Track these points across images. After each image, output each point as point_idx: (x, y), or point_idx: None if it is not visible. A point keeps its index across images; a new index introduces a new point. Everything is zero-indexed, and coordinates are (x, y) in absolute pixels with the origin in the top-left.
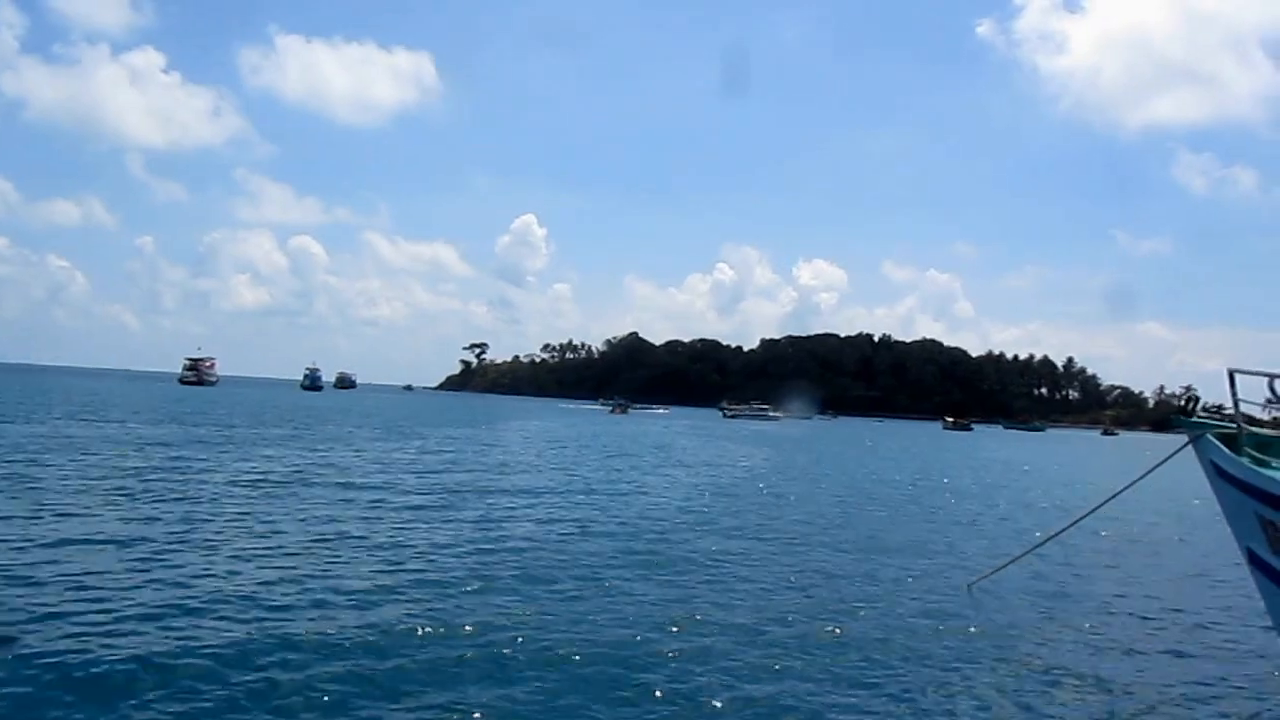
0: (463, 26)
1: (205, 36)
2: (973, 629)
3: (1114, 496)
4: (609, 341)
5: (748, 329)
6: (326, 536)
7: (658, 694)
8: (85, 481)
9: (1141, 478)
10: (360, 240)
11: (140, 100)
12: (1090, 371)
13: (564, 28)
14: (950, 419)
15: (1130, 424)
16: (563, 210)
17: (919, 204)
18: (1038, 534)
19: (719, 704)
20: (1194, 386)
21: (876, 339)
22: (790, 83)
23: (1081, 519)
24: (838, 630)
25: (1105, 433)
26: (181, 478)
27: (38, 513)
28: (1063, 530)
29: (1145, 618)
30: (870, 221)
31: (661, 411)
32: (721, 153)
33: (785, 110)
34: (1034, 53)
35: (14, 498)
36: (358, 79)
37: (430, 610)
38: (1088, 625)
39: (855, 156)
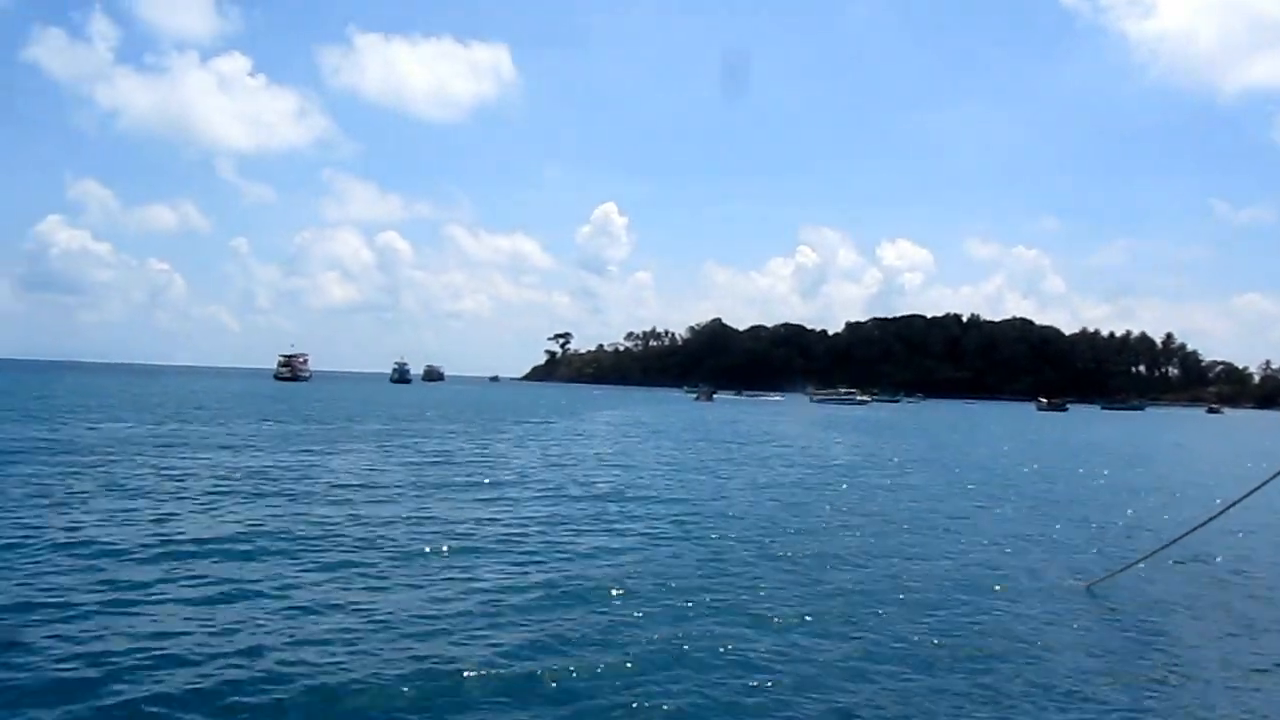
0: (538, 18)
1: (288, 39)
2: (1088, 634)
3: (1249, 495)
4: (692, 328)
5: (831, 312)
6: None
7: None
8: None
9: (1274, 477)
10: (443, 234)
11: (229, 105)
12: (1190, 347)
13: (637, 18)
14: (1044, 399)
15: (1234, 401)
16: (641, 198)
17: (1002, 179)
18: (1161, 531)
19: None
20: None
21: (964, 319)
22: (868, 60)
23: (1214, 518)
24: (944, 633)
25: (1210, 410)
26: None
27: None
28: (1193, 530)
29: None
30: (953, 199)
31: (777, 398)
32: (799, 134)
33: (863, 89)
34: (1121, 18)
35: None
36: (436, 74)
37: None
38: (1218, 638)
39: (936, 133)
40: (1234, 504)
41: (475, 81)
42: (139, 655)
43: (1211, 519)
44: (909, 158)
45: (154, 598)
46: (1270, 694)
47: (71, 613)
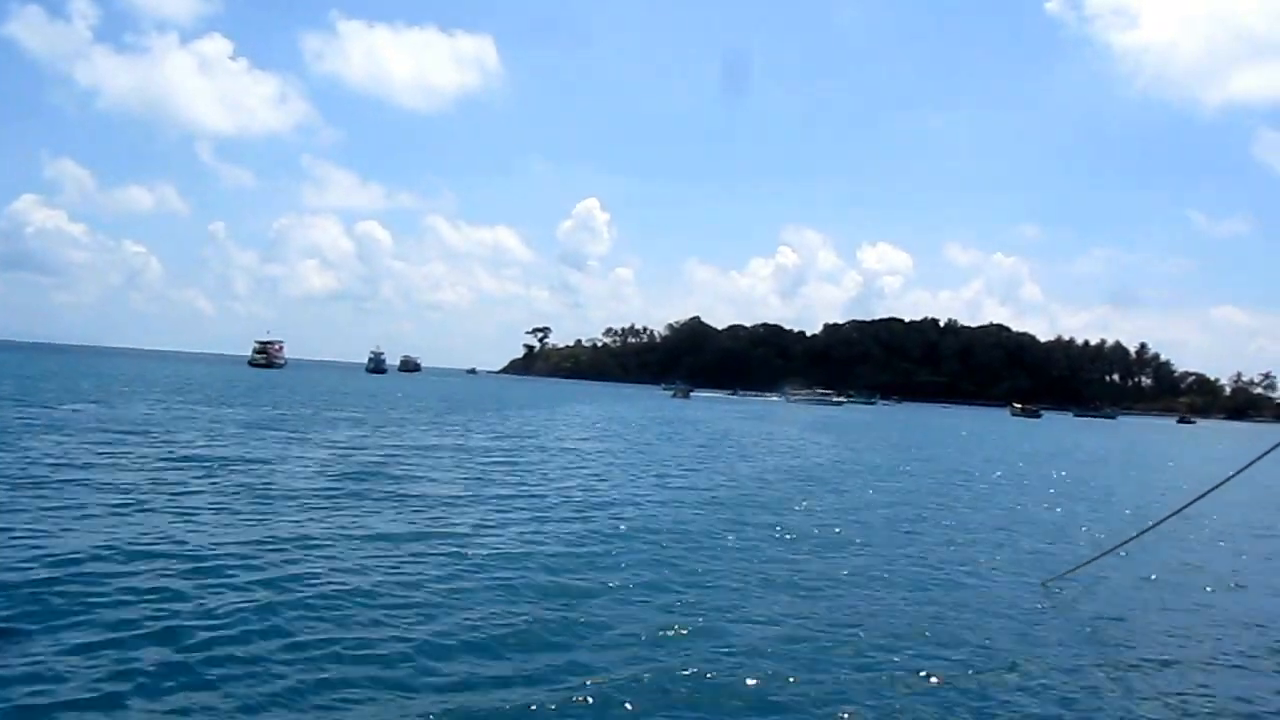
0: (524, 10)
1: (270, 23)
2: (1045, 628)
3: (1203, 495)
4: (671, 326)
5: (810, 313)
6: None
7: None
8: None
9: (1236, 474)
10: (424, 225)
11: (209, 87)
12: (1164, 358)
13: (627, 14)
14: (1018, 405)
15: (1205, 412)
16: (624, 194)
17: (984, 186)
18: (1119, 530)
19: (777, 696)
20: (1274, 374)
21: (942, 324)
22: (855, 63)
23: (1167, 518)
24: (903, 621)
25: (1181, 420)
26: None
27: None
28: (1147, 529)
29: (1230, 624)
30: (934, 204)
31: (774, 399)
32: (782, 135)
33: (849, 92)
34: (1107, 29)
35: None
36: (420, 64)
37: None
38: (1167, 631)
39: (919, 138)
40: (1188, 505)
41: (459, 72)
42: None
43: (1164, 519)
44: (892, 161)
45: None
46: (1216, 686)
47: None
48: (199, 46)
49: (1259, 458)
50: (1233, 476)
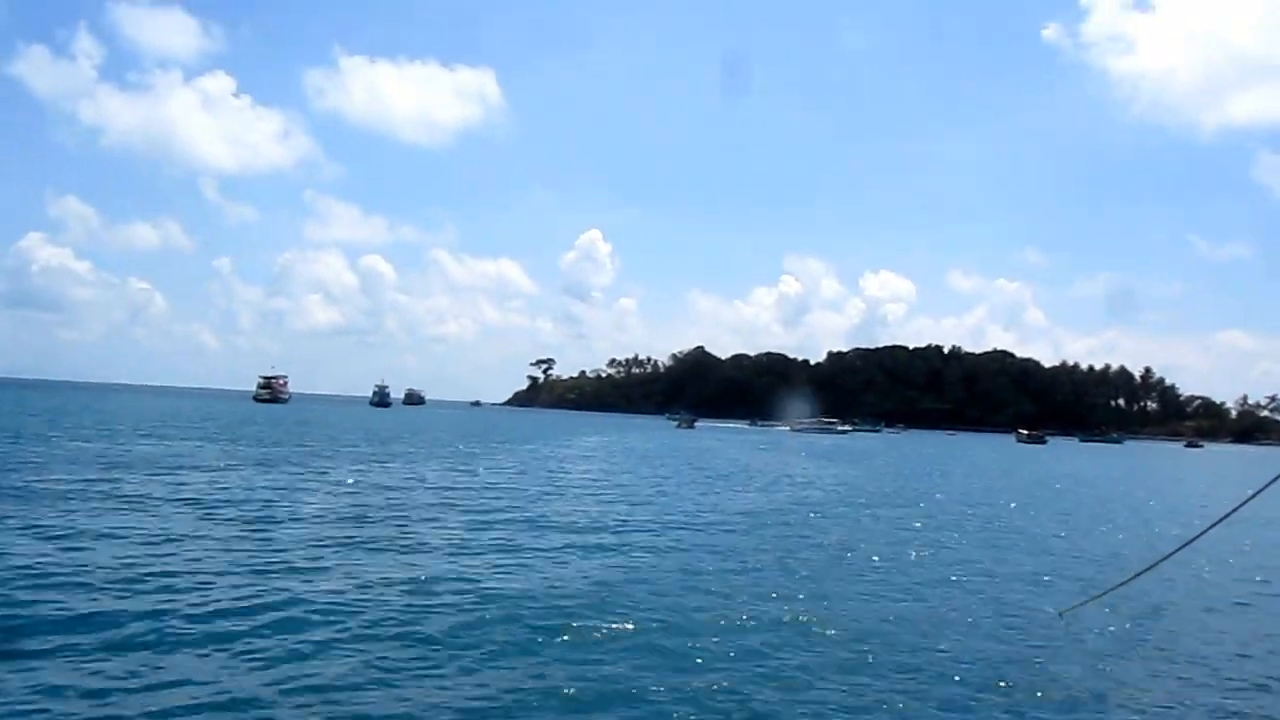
0: (525, 44)
1: (273, 59)
2: (1061, 661)
3: (1218, 523)
4: (675, 356)
5: (814, 341)
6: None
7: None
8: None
9: (1247, 501)
10: (427, 258)
11: (212, 124)
12: (1169, 382)
13: (627, 44)
14: (1024, 431)
15: (1212, 435)
16: (626, 225)
17: (985, 212)
18: (1132, 558)
19: None
20: (1279, 397)
21: (946, 350)
22: (856, 91)
23: (1180, 549)
24: (920, 654)
25: (1189, 445)
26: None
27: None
28: (1161, 560)
29: (1245, 656)
30: (936, 231)
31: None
32: (785, 164)
33: (848, 119)
34: (1103, 55)
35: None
36: (421, 98)
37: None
38: (1182, 662)
39: (920, 165)
40: (1201, 534)
41: (461, 105)
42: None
43: (1177, 550)
44: (894, 189)
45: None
46: (1212, 708)
47: None
48: (202, 84)
49: (1268, 484)
50: (1242, 505)
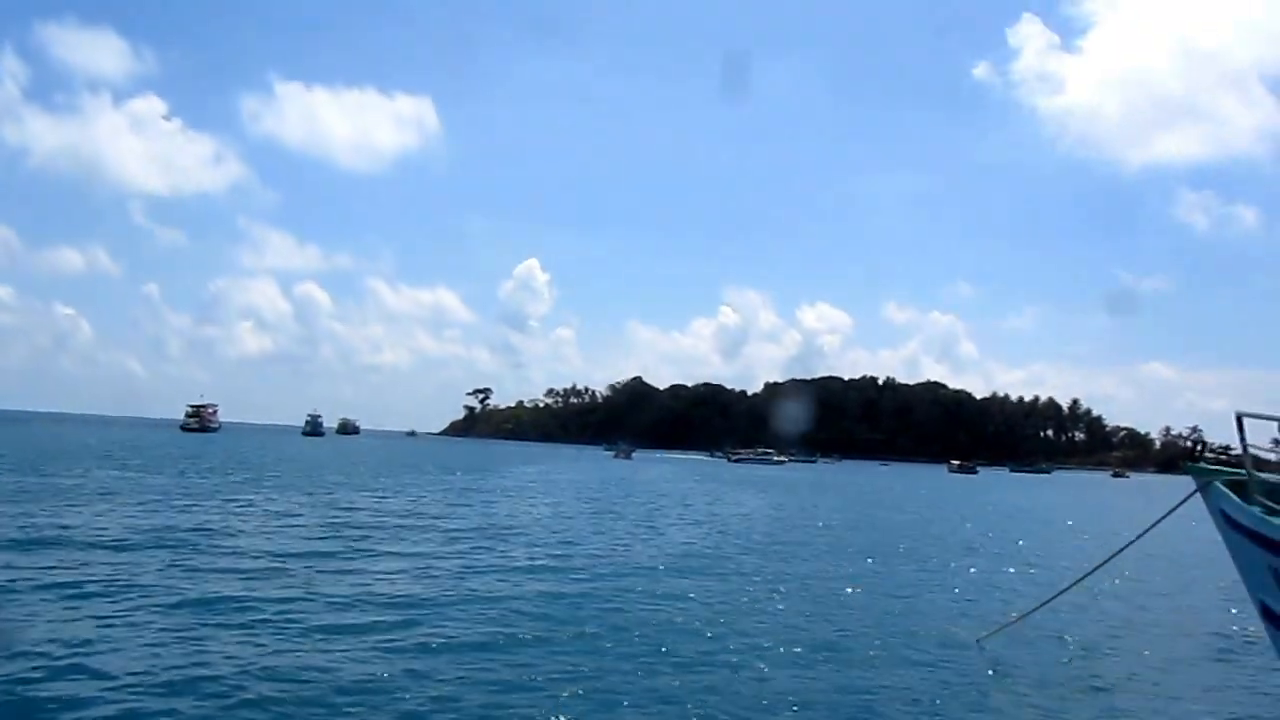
0: (463, 72)
1: (206, 84)
2: (979, 686)
3: (1123, 549)
4: (613, 386)
5: (751, 372)
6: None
7: None
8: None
9: (1150, 529)
10: (363, 286)
11: (142, 147)
12: (1096, 413)
13: (563, 72)
14: (955, 462)
15: (1137, 465)
16: (565, 254)
17: (919, 246)
18: (1051, 585)
19: None
20: (1200, 428)
21: (880, 382)
22: (789, 126)
23: (1090, 574)
24: (836, 679)
25: (1115, 475)
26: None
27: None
28: (1071, 585)
29: (1158, 671)
30: (871, 264)
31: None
32: (722, 196)
33: (784, 153)
34: (1032, 94)
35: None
36: (359, 125)
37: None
38: (1098, 683)
39: (855, 199)
40: (1103, 564)
41: (398, 132)
42: None
43: (1084, 577)
44: (830, 222)
45: None
46: None
47: None
48: (132, 106)
49: (1168, 514)
50: (1147, 531)
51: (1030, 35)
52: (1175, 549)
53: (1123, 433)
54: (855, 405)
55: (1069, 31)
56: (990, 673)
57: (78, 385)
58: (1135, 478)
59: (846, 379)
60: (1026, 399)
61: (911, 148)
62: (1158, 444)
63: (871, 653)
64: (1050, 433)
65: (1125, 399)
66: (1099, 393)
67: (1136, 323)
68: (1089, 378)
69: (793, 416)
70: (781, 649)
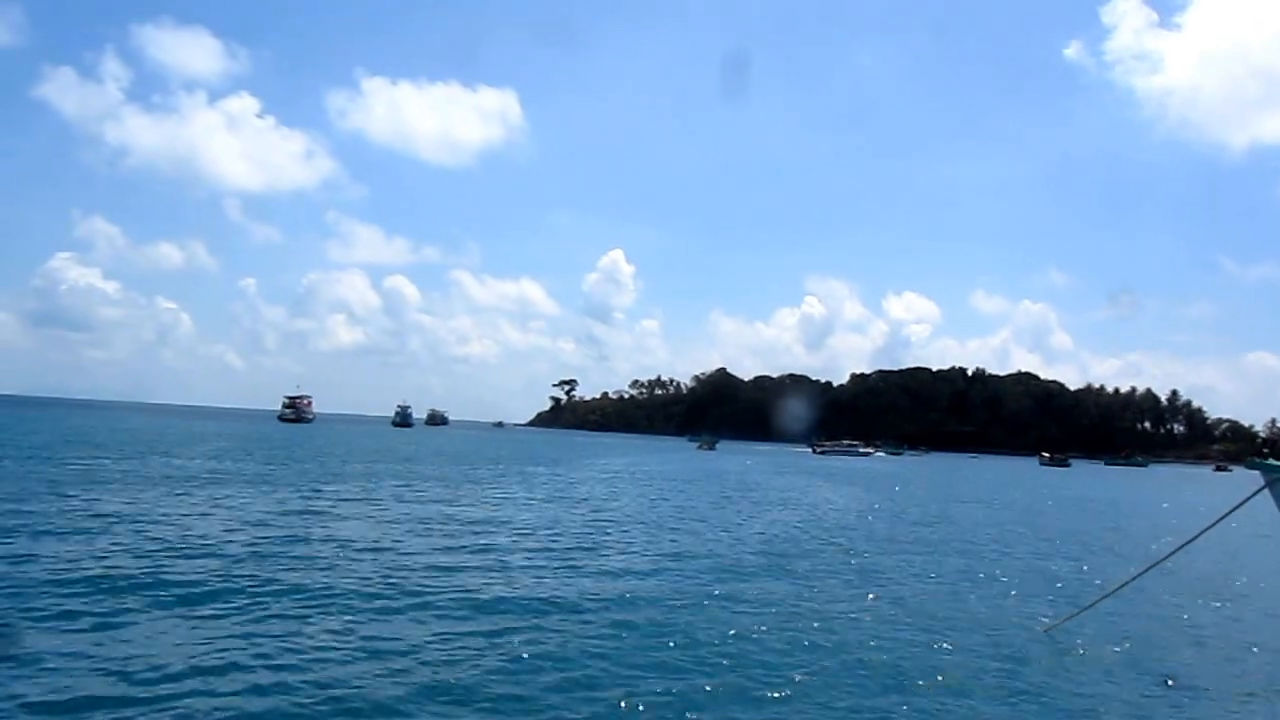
0: (547, 64)
1: (296, 81)
2: (1044, 674)
3: (1190, 541)
4: (697, 377)
5: (837, 363)
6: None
7: None
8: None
9: (1217, 522)
10: (449, 279)
11: (236, 145)
12: (1196, 404)
13: (649, 65)
14: (1047, 454)
15: (1240, 459)
16: (648, 246)
17: (1009, 233)
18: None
19: None
20: None
21: (970, 372)
22: (875, 113)
23: (1157, 564)
24: (906, 665)
25: (1218, 469)
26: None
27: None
28: (1139, 575)
29: (1228, 661)
30: (960, 252)
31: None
32: (807, 185)
33: (870, 141)
34: (1128, 73)
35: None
36: (443, 119)
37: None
38: (1165, 674)
39: (943, 186)
40: (1169, 555)
41: (483, 126)
42: None
43: (1151, 566)
44: (917, 209)
45: None
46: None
47: None
48: (226, 105)
49: (1233, 509)
50: (1214, 524)
51: (1126, 12)
52: (1245, 543)
53: (1225, 425)
54: (944, 397)
55: (1167, 7)
56: (1054, 661)
57: (180, 377)
58: (1239, 471)
59: (935, 370)
60: (1123, 390)
61: (1001, 131)
62: (1263, 436)
63: (939, 637)
64: (1148, 425)
65: (1228, 390)
66: (1200, 384)
67: (1241, 311)
68: (1190, 368)
69: (877, 408)
70: (849, 633)
